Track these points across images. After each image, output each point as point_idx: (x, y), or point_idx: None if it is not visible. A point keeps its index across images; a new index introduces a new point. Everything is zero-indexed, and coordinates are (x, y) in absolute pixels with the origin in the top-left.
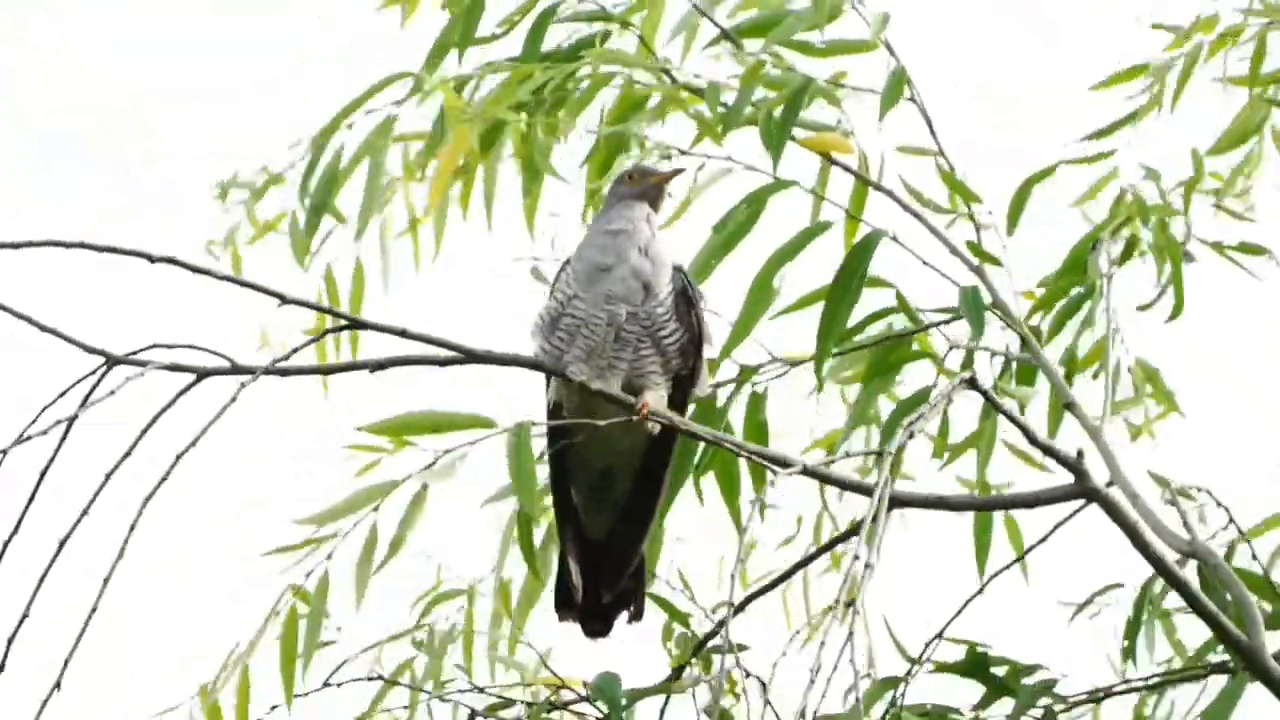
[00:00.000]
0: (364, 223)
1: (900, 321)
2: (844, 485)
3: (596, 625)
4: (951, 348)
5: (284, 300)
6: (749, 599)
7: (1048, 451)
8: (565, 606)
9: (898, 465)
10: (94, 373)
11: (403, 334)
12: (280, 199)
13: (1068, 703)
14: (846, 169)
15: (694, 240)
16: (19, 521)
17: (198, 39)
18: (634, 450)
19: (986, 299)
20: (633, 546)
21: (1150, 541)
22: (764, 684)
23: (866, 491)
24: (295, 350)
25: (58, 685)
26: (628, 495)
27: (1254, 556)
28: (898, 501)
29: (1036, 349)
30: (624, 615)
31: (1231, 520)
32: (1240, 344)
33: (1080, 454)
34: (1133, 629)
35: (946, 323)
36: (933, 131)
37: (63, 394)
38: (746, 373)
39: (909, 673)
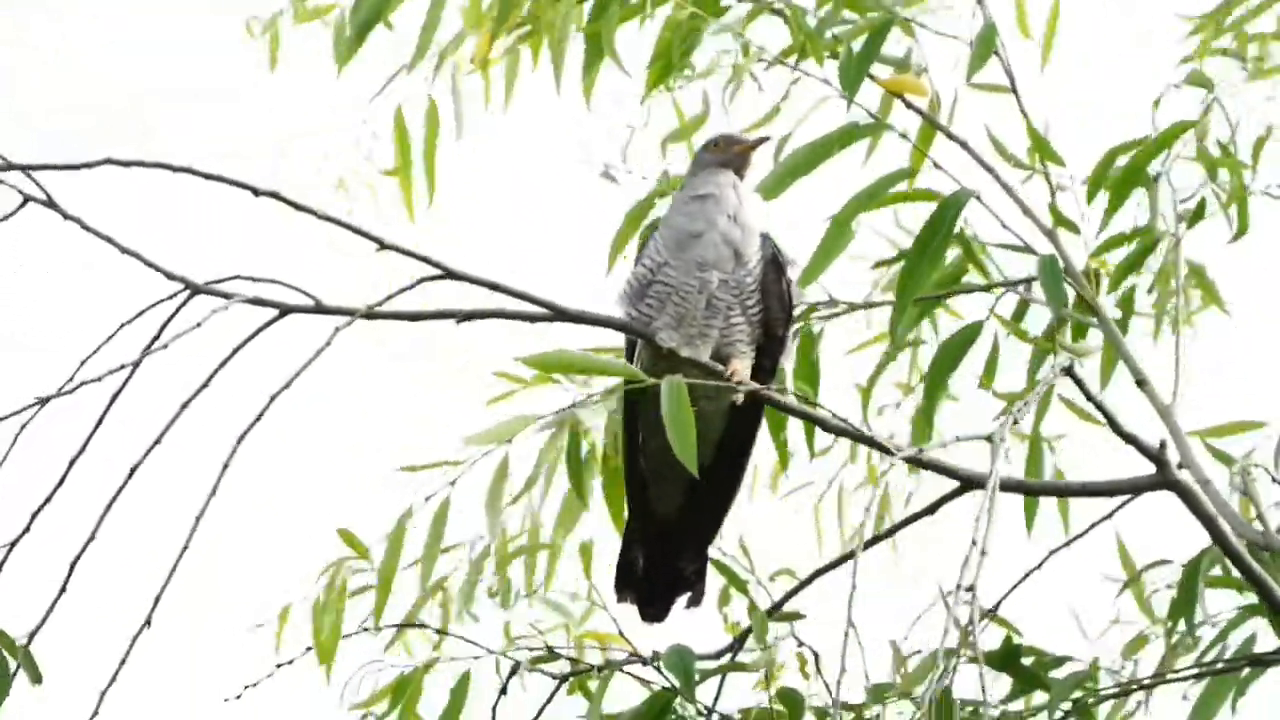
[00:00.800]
0: (425, 44)
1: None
2: (945, 472)
3: (654, 609)
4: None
5: (382, 245)
6: (814, 575)
7: (1130, 441)
8: (625, 587)
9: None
10: (173, 298)
11: (494, 287)
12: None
13: (1099, 695)
14: (920, 113)
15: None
16: (86, 441)
17: (198, 39)
18: (714, 422)
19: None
20: (708, 525)
21: (1227, 535)
22: (816, 656)
23: (957, 476)
24: (389, 297)
25: (148, 623)
26: (704, 471)
27: None
28: (975, 483)
29: (1108, 322)
30: (682, 599)
31: (1275, 479)
32: None
33: (1163, 444)
34: (1178, 609)
35: (1017, 284)
36: (1015, 90)
37: (139, 315)
38: (809, 310)
39: (955, 654)
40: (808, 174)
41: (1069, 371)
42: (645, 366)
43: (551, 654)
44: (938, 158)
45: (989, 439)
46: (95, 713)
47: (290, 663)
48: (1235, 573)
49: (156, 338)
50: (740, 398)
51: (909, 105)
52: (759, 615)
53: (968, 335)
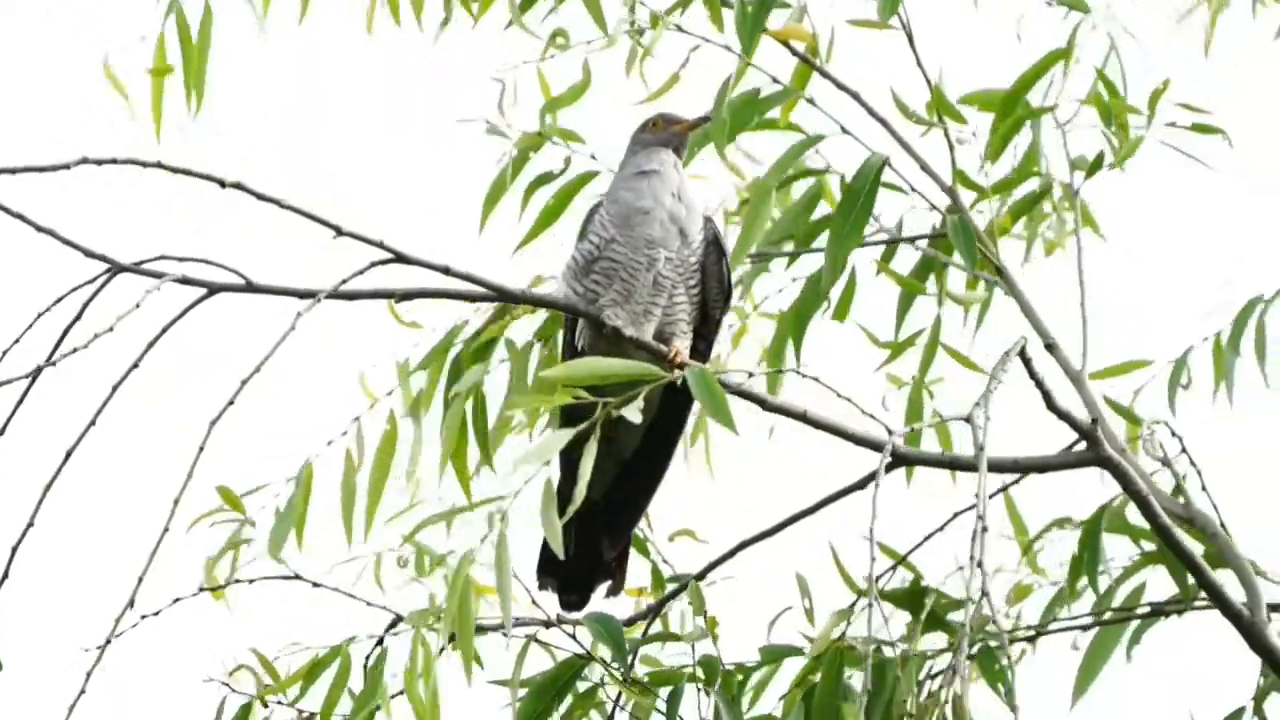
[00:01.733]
0: None
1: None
2: (939, 464)
3: (574, 597)
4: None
5: (340, 232)
6: (737, 549)
7: (1063, 417)
8: (546, 573)
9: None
10: (95, 280)
11: (446, 271)
12: None
13: (997, 638)
14: (805, 59)
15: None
16: (6, 421)
17: None
18: (649, 406)
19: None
20: (632, 509)
21: (1158, 511)
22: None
23: (931, 463)
24: (344, 281)
25: (131, 604)
26: (634, 454)
27: (1204, 488)
28: (906, 460)
29: (1014, 283)
30: (603, 587)
31: (1184, 448)
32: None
33: (1095, 421)
34: (1077, 566)
35: (910, 240)
36: (911, 41)
37: (59, 300)
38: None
39: (854, 603)
40: (729, 144)
41: (1022, 353)
42: (587, 346)
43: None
44: (825, 106)
45: (968, 420)
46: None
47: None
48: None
49: (77, 318)
50: (680, 379)
51: (794, 53)
52: (695, 586)
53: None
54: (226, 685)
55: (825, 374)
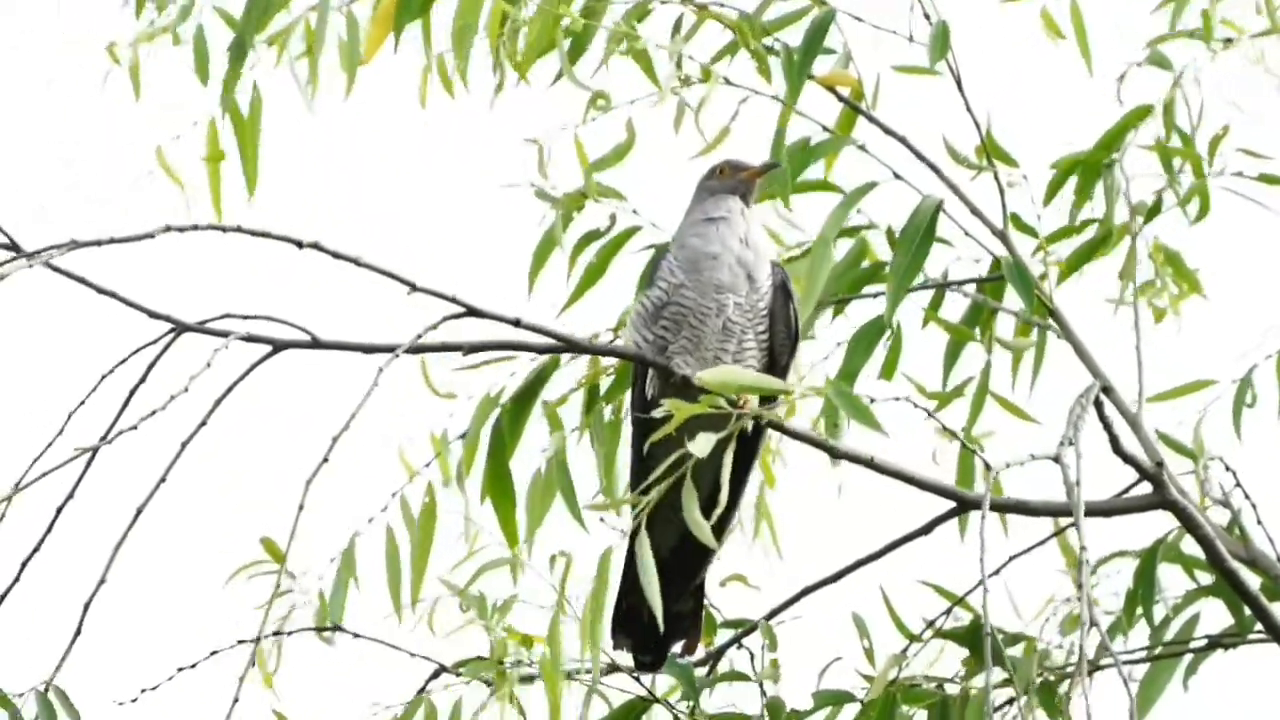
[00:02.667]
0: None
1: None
2: (1036, 511)
3: (649, 658)
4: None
5: (414, 288)
6: (802, 594)
7: (1128, 460)
8: (620, 633)
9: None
10: (159, 340)
11: (516, 323)
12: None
13: (1057, 673)
14: (856, 108)
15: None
16: (74, 486)
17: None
18: (717, 453)
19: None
20: (699, 561)
21: (1223, 554)
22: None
23: (953, 496)
24: (419, 336)
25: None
26: (701, 505)
27: (1259, 521)
28: (974, 504)
29: (1068, 326)
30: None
31: (1238, 484)
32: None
33: (1160, 464)
34: (1133, 598)
35: (978, 281)
36: (960, 86)
37: (122, 361)
38: None
39: (906, 648)
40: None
41: (1106, 391)
42: (656, 395)
43: (481, 660)
44: (873, 151)
45: (1056, 460)
46: None
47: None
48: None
49: (143, 379)
50: (750, 426)
51: (840, 99)
52: (768, 626)
53: (878, 326)
54: None
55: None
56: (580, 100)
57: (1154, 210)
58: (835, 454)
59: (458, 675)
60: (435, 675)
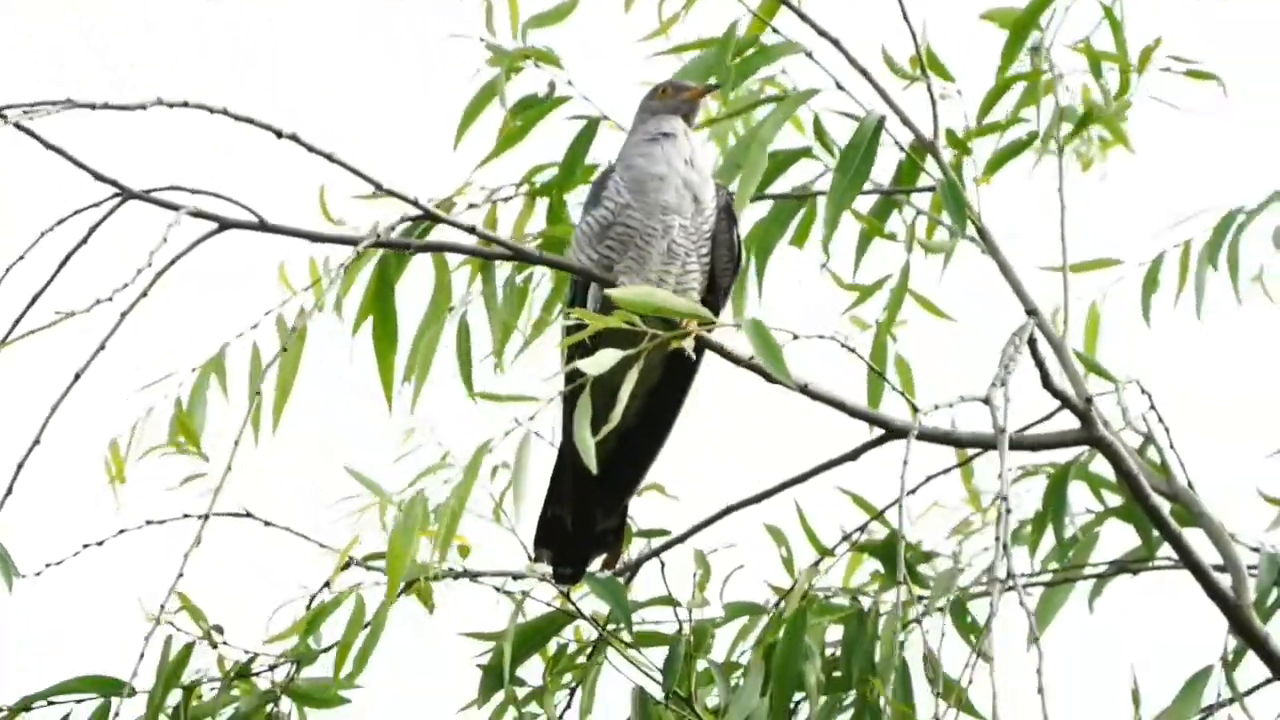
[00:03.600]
0: None
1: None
2: (963, 443)
3: (569, 570)
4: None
5: (379, 189)
6: (723, 513)
7: (1058, 396)
8: (543, 544)
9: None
10: (102, 204)
11: (472, 231)
12: None
13: (969, 591)
14: (799, 12)
15: None
16: (5, 335)
17: None
18: (650, 372)
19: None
20: (630, 479)
21: (1147, 492)
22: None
23: (883, 424)
24: (383, 232)
25: (198, 541)
26: (634, 425)
27: (1171, 445)
28: (901, 433)
29: (995, 246)
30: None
31: (1153, 406)
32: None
33: (1089, 401)
34: (1041, 519)
35: (894, 192)
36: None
37: (62, 220)
38: None
39: (819, 560)
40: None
41: (1031, 313)
42: (598, 310)
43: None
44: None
45: (986, 401)
46: None
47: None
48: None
49: (83, 241)
50: (690, 346)
51: (790, 6)
52: (700, 554)
53: (793, 206)
54: (171, 624)
55: (790, 313)
56: None
57: (1084, 121)
58: (769, 379)
59: (368, 569)
60: (345, 567)
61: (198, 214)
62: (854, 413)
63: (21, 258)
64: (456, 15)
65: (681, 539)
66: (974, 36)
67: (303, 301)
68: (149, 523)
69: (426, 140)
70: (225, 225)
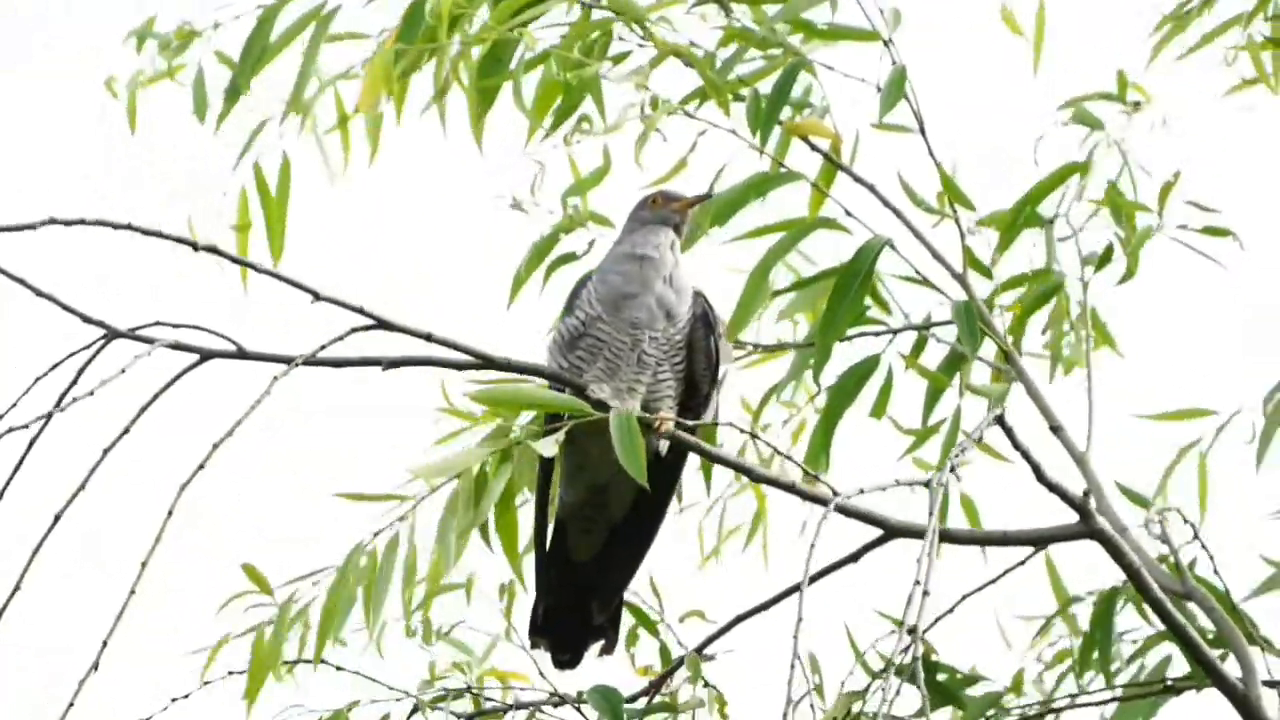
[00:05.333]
0: (297, 105)
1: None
2: (868, 520)
3: (566, 656)
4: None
5: (317, 297)
6: (733, 623)
7: (1054, 490)
8: (538, 633)
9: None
10: (91, 345)
11: (428, 338)
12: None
13: (1010, 713)
14: (826, 156)
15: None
16: (3, 488)
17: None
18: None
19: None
20: (622, 573)
21: (1150, 584)
22: (722, 697)
23: (879, 524)
24: (323, 347)
25: (95, 667)
26: (622, 519)
27: (1215, 571)
28: (900, 532)
29: (1020, 368)
30: (596, 647)
31: (1197, 536)
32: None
33: (1087, 494)
34: (1088, 645)
35: (922, 326)
36: (924, 133)
37: (56, 365)
38: None
39: (869, 685)
40: (725, 223)
41: (1000, 420)
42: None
43: (457, 693)
44: (845, 201)
45: (927, 485)
46: None
47: (210, 682)
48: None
49: (74, 383)
50: (664, 447)
51: (813, 148)
52: (693, 656)
53: (864, 370)
54: None
55: (862, 465)
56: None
57: (1104, 259)
58: (753, 477)
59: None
60: (414, 712)
61: (177, 346)
62: (849, 512)
63: (15, 405)
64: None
65: (698, 650)
66: (997, 153)
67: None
68: (231, 673)
69: (473, 295)
70: (206, 356)
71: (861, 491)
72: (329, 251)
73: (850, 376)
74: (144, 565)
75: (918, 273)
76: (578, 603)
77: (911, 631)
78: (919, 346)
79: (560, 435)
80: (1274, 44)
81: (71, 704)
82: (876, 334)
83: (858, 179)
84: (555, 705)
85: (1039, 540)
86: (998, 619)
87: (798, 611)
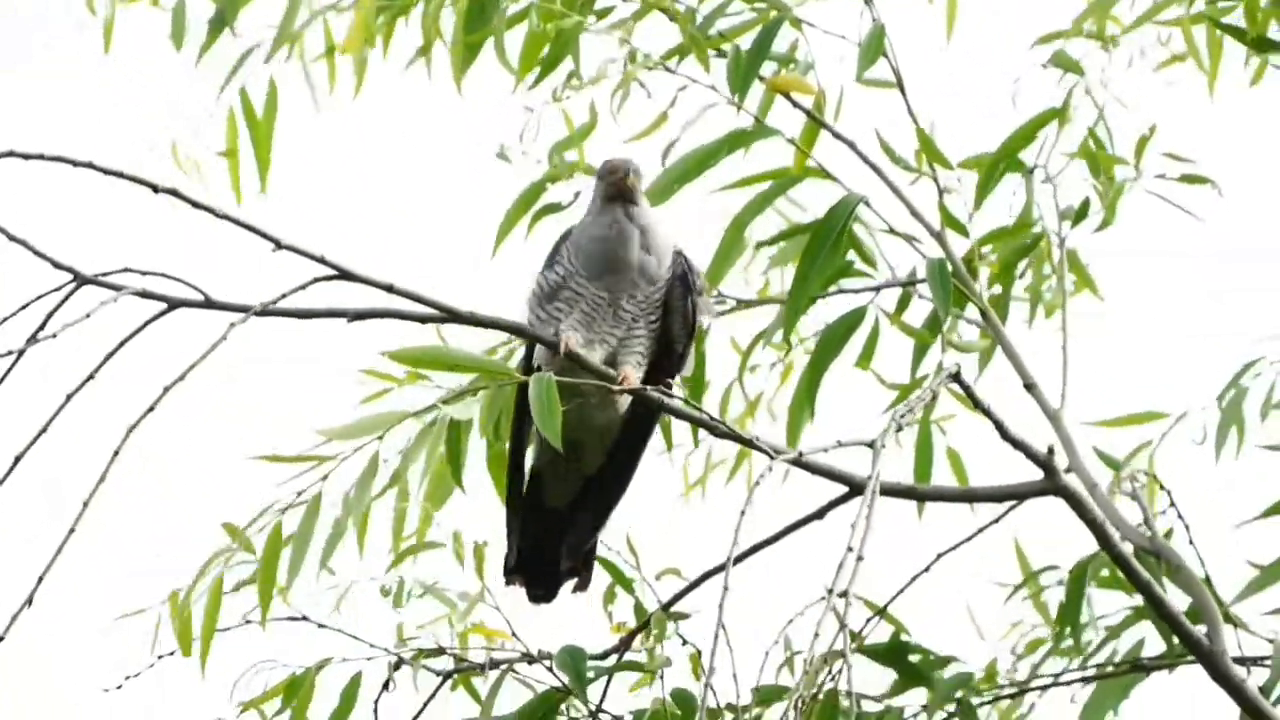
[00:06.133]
0: (286, 35)
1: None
2: (831, 476)
3: (541, 591)
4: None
5: (279, 245)
6: (706, 575)
7: (1018, 446)
8: (513, 570)
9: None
10: (60, 289)
11: (389, 289)
12: None
13: (982, 695)
14: (808, 113)
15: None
16: None
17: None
18: (608, 427)
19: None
20: (595, 522)
21: (1114, 540)
22: (699, 652)
23: (845, 481)
24: (282, 296)
25: (29, 602)
26: (596, 470)
27: (1190, 541)
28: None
29: (997, 325)
30: (569, 584)
31: (1173, 504)
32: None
33: (1050, 450)
34: (1065, 613)
35: (904, 283)
36: (903, 90)
37: (24, 307)
38: None
39: (840, 655)
40: (695, 179)
41: (955, 377)
42: (541, 365)
43: (438, 650)
44: (825, 156)
45: (870, 445)
46: None
47: (170, 654)
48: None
49: (42, 327)
50: (625, 403)
51: (795, 104)
52: (659, 615)
53: (850, 322)
54: None
55: (845, 418)
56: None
57: (1081, 213)
58: (717, 433)
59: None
60: (396, 667)
61: (144, 294)
62: (815, 469)
63: None
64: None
65: (665, 607)
66: (978, 123)
67: None
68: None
69: (457, 246)
70: (174, 305)
71: (801, 454)
72: (309, 192)
73: (837, 328)
74: (85, 505)
75: (891, 229)
76: (551, 545)
77: (844, 594)
78: (904, 302)
79: (480, 398)
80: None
81: (1, 638)
82: (858, 291)
83: (838, 135)
84: (530, 663)
85: (1000, 497)
86: (970, 610)
87: (724, 581)
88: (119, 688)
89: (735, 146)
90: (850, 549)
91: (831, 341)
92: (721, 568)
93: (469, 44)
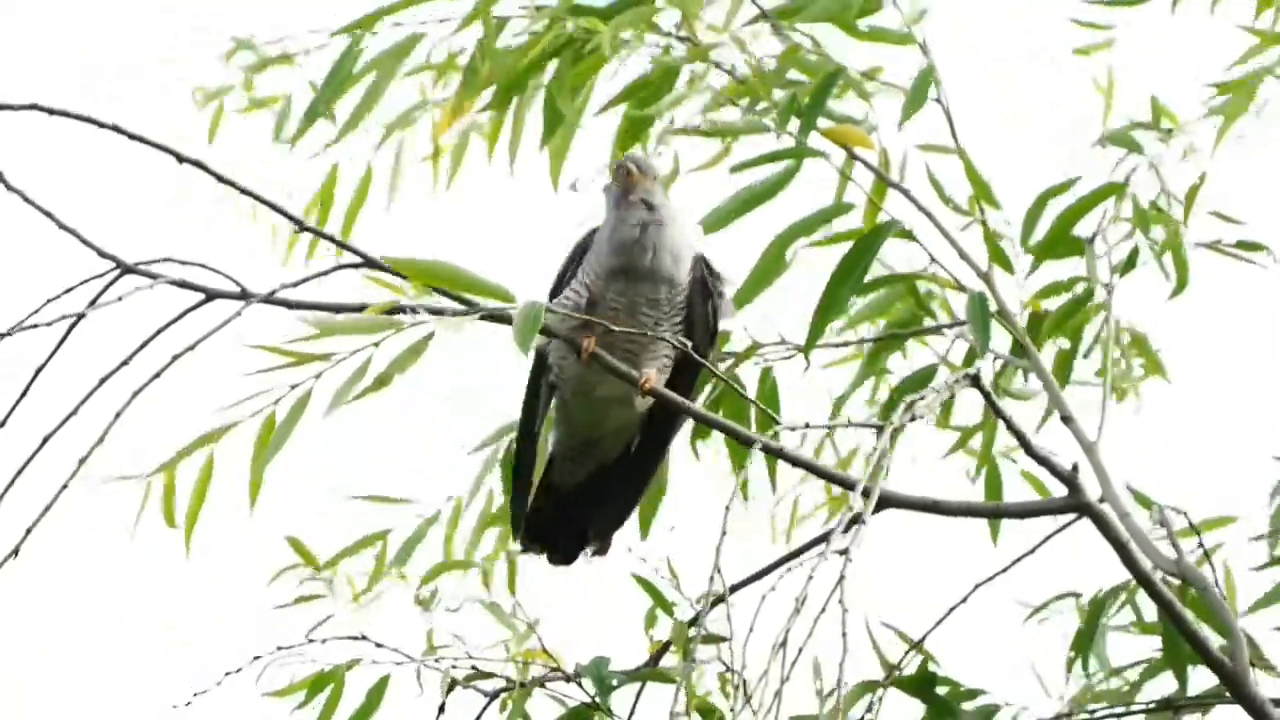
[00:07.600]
0: (355, 121)
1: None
2: (834, 479)
3: (560, 555)
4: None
5: (301, 227)
6: (732, 589)
7: (1043, 462)
8: (531, 540)
9: (893, 444)
10: (103, 275)
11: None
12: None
13: None
14: (866, 164)
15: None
16: (9, 413)
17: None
18: (626, 426)
19: (992, 305)
20: (614, 510)
21: (1139, 560)
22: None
23: (852, 486)
24: (304, 280)
25: (15, 553)
26: (615, 461)
27: (1217, 583)
28: (890, 502)
29: (1036, 359)
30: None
31: (1201, 545)
32: (1239, 343)
33: (1075, 467)
34: (1082, 639)
35: (950, 326)
36: (954, 133)
37: (68, 290)
38: (752, 348)
39: (885, 681)
40: (754, 210)
41: (975, 381)
42: (563, 366)
43: (481, 673)
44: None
45: (879, 427)
46: None
47: (238, 671)
48: (1146, 608)
49: (83, 316)
50: (645, 404)
51: (854, 157)
52: (679, 625)
53: (923, 377)
54: None
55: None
56: None
57: (1129, 264)
58: (741, 440)
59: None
60: (451, 689)
61: (182, 284)
62: (828, 477)
63: (21, 324)
64: None
65: (691, 623)
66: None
67: None
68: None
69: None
70: (211, 296)
71: (776, 432)
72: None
73: (910, 382)
74: (81, 462)
75: (932, 260)
76: (565, 521)
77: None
78: (970, 356)
79: (473, 314)
80: None
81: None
82: (913, 334)
83: (887, 180)
84: (566, 681)
85: (1026, 513)
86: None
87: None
88: (188, 704)
89: (784, 161)
90: (843, 552)
91: (901, 395)
92: (746, 582)
93: (556, 150)
